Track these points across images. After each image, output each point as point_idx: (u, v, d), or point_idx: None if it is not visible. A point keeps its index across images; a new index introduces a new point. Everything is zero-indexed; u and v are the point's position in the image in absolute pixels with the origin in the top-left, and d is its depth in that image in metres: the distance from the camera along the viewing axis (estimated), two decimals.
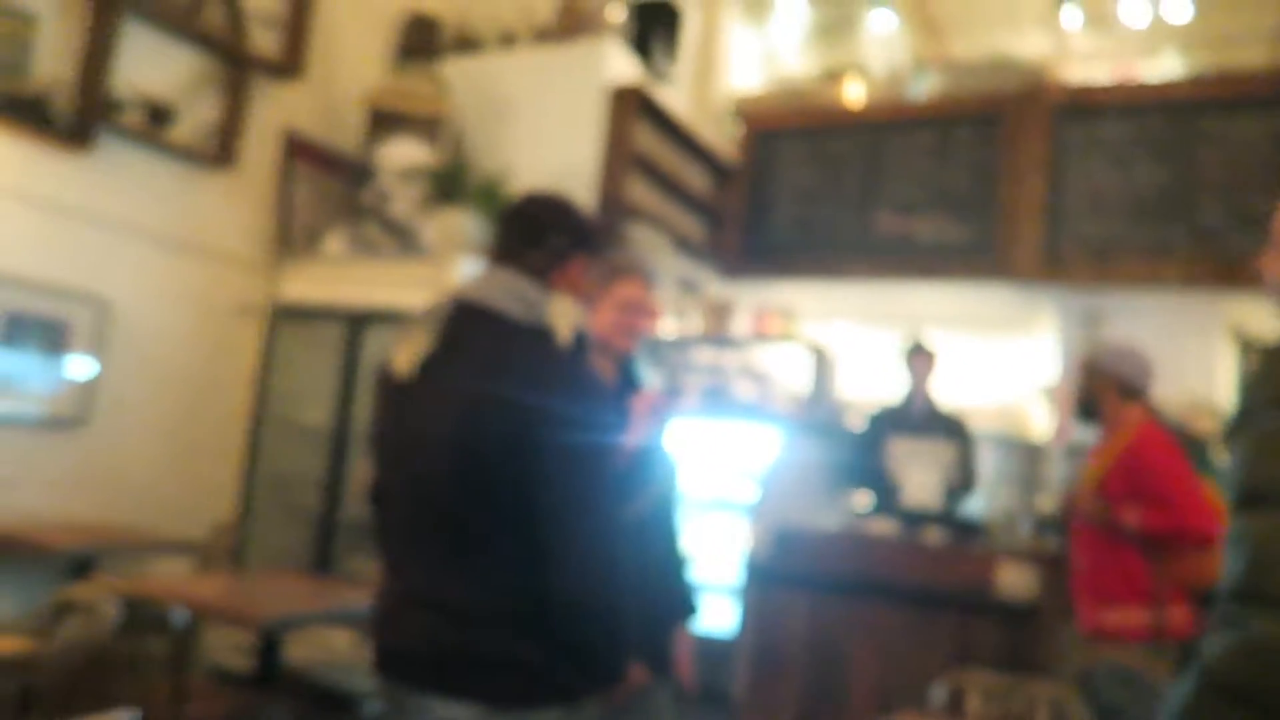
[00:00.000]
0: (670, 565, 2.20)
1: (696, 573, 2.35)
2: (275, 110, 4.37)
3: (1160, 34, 6.79)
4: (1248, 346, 5.40)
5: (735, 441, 4.21)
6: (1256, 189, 4.54)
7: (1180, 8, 6.30)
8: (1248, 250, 4.50)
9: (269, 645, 2.81)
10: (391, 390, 1.65)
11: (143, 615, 2.45)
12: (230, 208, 4.23)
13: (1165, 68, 6.39)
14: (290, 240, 4.38)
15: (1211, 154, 4.65)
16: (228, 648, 3.47)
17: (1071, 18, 5.51)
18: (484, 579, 1.55)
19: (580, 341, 1.62)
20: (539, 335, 1.57)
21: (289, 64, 4.34)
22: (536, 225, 1.67)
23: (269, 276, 4.35)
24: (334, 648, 3.35)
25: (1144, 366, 3.01)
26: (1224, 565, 1.30)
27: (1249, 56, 6.32)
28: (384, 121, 4.51)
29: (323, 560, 3.98)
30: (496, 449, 1.50)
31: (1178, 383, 4.59)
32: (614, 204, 4.36)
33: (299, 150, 4.48)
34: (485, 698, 1.52)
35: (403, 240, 4.31)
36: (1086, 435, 3.38)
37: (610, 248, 1.86)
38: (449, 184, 4.11)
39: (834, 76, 6.22)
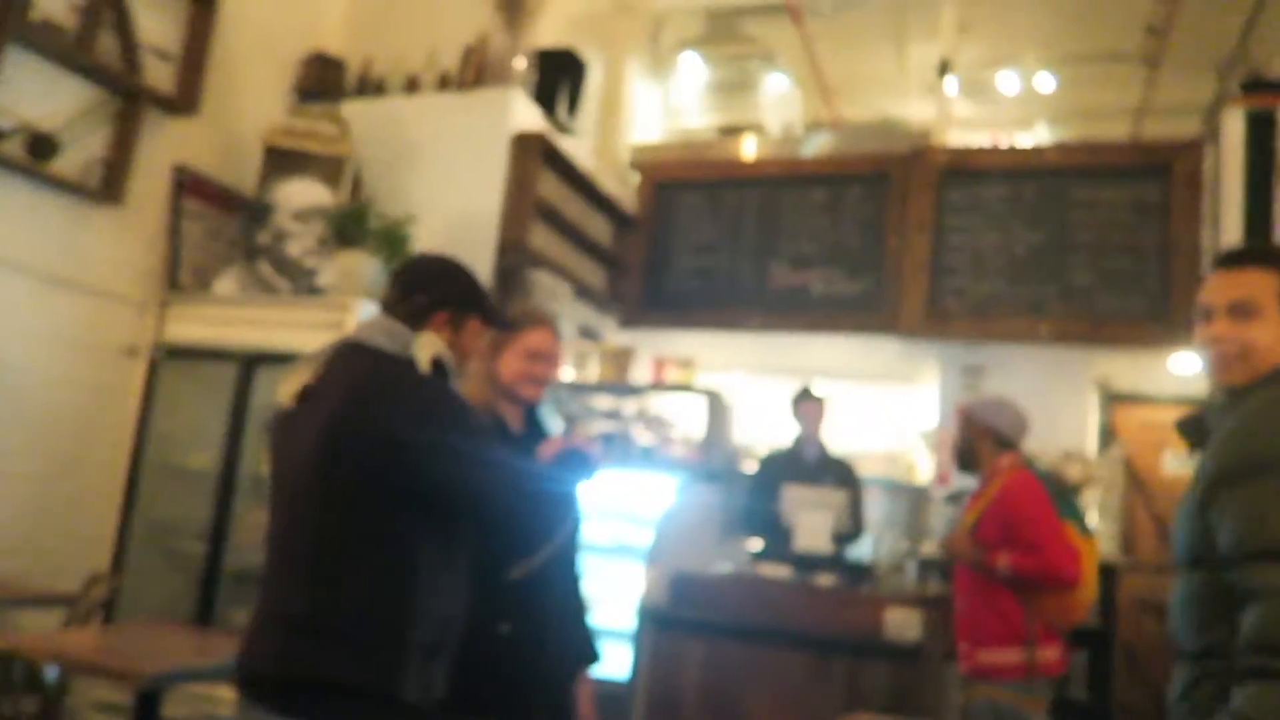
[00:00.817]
0: (573, 612, 2.21)
1: (595, 618, 2.37)
2: (168, 146, 4.26)
3: (1033, 106, 7.28)
4: (1111, 399, 5.76)
5: (632, 487, 4.25)
6: (1119, 252, 4.89)
7: (1047, 81, 6.78)
8: (1112, 309, 4.83)
9: (146, 703, 2.69)
10: (276, 425, 1.82)
11: (10, 673, 2.31)
12: (116, 244, 4.09)
13: (1038, 137, 6.84)
14: (179, 279, 4.26)
15: (1080, 218, 4.99)
16: (98, 706, 3.30)
17: (952, 86, 5.86)
18: (340, 594, 1.65)
19: (440, 368, 1.78)
20: (400, 361, 1.76)
21: (184, 99, 4.25)
22: (407, 283, 1.88)
23: (156, 316, 4.21)
24: (217, 704, 3.21)
25: (1018, 418, 3.19)
26: (1246, 617, 1.33)
27: (1113, 130, 6.83)
28: (283, 161, 4.45)
29: (205, 612, 3.83)
30: (352, 457, 1.65)
31: (1049, 433, 4.86)
32: (516, 250, 4.39)
33: (191, 187, 4.37)
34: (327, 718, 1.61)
35: (299, 282, 4.24)
36: (968, 482, 3.55)
37: (481, 309, 1.95)
38: (349, 226, 4.08)
39: (732, 133, 6.44)
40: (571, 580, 2.22)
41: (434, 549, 1.70)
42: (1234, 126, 4.34)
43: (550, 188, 4.77)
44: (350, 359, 1.78)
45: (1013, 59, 6.89)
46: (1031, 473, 3.09)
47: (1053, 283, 4.95)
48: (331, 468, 1.66)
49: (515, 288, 4.35)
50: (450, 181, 4.52)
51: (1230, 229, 4.30)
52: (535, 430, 2.21)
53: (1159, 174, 4.90)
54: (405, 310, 1.83)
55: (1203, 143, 4.78)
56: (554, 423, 2.43)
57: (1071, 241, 4.97)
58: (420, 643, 1.66)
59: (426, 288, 1.86)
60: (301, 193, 4.37)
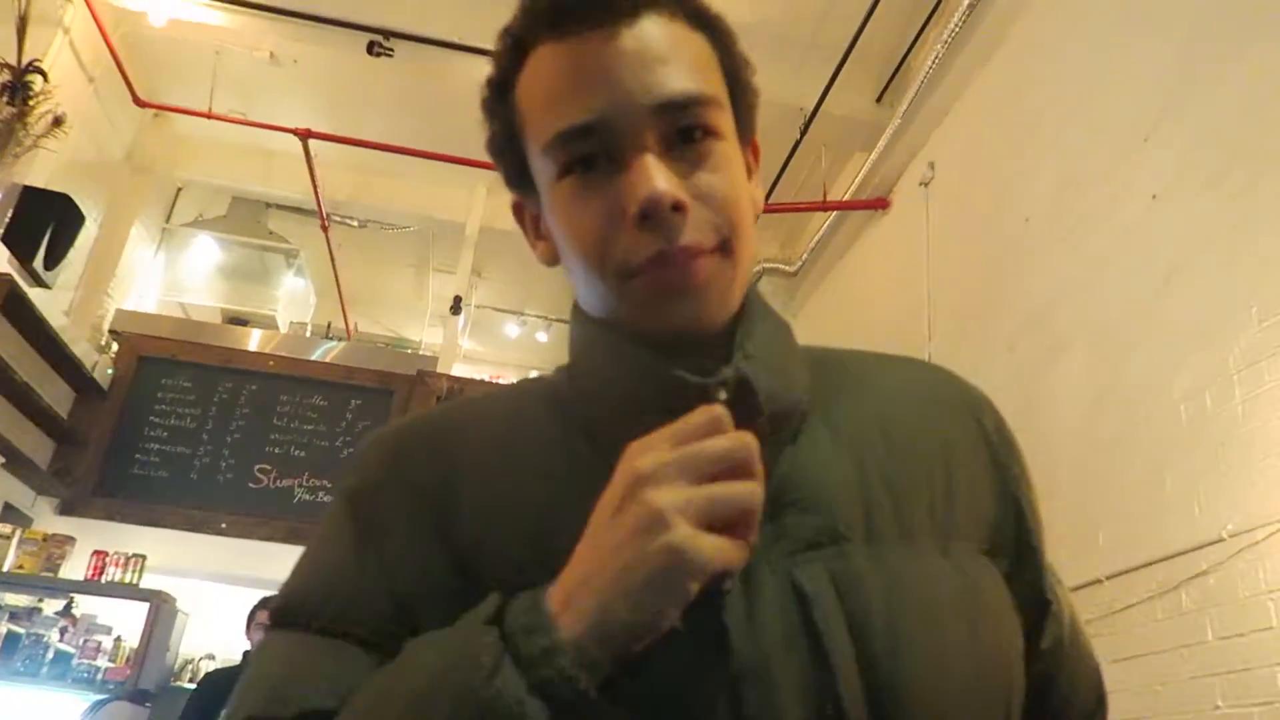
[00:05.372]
0: None
1: None
2: None
3: (531, 352, 8.11)
4: None
5: (40, 705, 3.55)
6: None
7: (543, 334, 7.65)
8: None
9: None
10: None
11: None
12: None
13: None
14: None
15: None
16: None
17: (461, 323, 6.32)
18: None
19: None
20: None
21: None
22: None
23: None
24: None
25: None
26: None
27: None
28: None
29: None
30: None
31: None
32: None
33: None
34: None
35: None
36: None
37: None
38: None
39: (239, 321, 6.19)
40: None
41: None
42: None
43: (7, 341, 4.12)
44: None
45: (516, 310, 7.68)
46: None
47: None
48: None
49: None
50: None
51: None
52: None
53: None
54: None
55: None
56: None
57: None
58: None
59: None
60: None
